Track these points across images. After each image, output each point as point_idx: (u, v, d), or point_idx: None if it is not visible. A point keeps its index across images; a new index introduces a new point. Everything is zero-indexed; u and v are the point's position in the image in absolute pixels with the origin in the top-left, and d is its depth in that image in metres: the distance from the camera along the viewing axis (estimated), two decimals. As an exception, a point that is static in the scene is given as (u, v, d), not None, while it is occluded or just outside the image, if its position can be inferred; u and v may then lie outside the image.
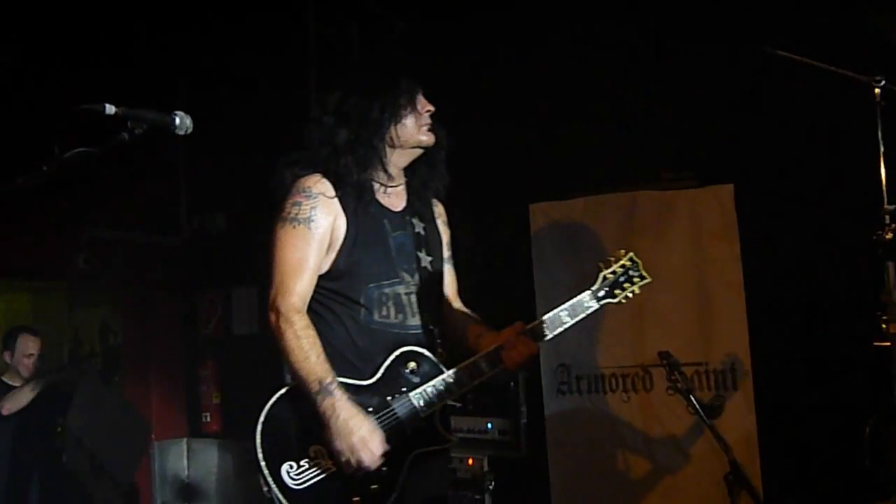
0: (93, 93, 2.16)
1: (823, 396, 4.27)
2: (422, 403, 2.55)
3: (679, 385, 3.98)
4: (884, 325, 3.45)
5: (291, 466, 2.47)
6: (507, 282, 5.05)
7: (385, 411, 2.53)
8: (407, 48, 4.89)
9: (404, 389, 2.56)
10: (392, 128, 2.62)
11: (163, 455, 6.38)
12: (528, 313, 4.82)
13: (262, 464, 2.47)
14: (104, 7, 5.17)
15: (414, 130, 2.65)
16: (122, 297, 6.65)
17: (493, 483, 4.33)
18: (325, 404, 2.43)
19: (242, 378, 6.17)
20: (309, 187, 2.60)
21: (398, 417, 2.53)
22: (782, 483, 4.28)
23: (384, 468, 2.48)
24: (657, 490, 4.58)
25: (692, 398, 3.94)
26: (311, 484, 2.47)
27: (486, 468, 4.32)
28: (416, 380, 2.58)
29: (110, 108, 2.04)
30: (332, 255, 2.59)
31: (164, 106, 2.21)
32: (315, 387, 2.44)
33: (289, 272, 2.54)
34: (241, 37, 5.55)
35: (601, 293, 2.70)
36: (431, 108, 2.67)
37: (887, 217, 3.35)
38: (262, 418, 2.50)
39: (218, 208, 6.60)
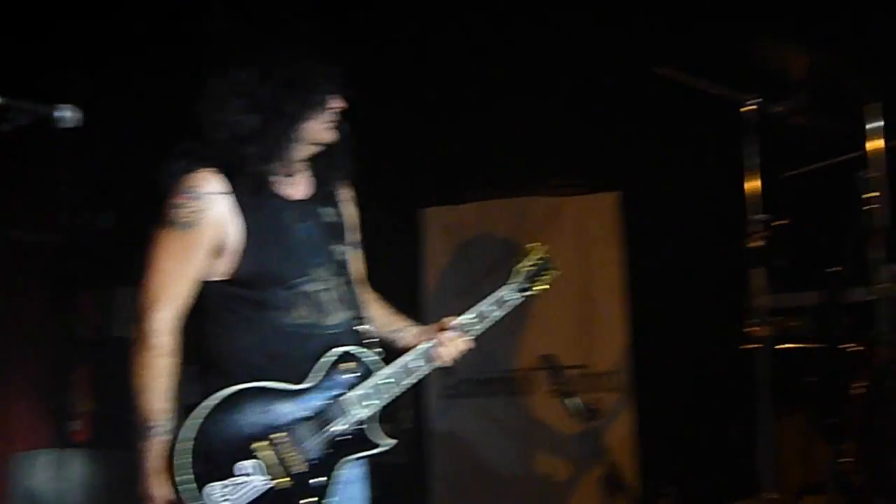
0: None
1: (699, 398, 4.53)
2: (360, 407, 2.47)
3: (561, 388, 4.13)
4: (750, 330, 3.73)
5: (224, 486, 2.31)
6: (395, 287, 5.13)
7: (324, 418, 2.43)
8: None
9: (342, 392, 2.46)
10: (301, 122, 2.49)
11: (26, 467, 5.85)
12: (417, 319, 4.97)
13: (192, 485, 2.28)
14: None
15: (319, 128, 2.52)
16: (-4, 298, 6.42)
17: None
18: (140, 445, 2.37)
19: (118, 384, 6.01)
20: (195, 187, 2.39)
21: (338, 423, 2.44)
22: (658, 483, 4.50)
23: (319, 479, 2.40)
24: (538, 493, 4.71)
25: (573, 401, 4.10)
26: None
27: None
28: (354, 381, 2.49)
29: None
30: (232, 259, 2.43)
31: (50, 98, 2.13)
32: (141, 421, 2.36)
33: (163, 283, 2.38)
34: (128, 25, 5.44)
35: (524, 285, 2.79)
36: (339, 105, 2.55)
37: (756, 225, 3.65)
38: (194, 434, 2.30)
39: (101, 205, 6.35)
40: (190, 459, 2.28)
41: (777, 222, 3.62)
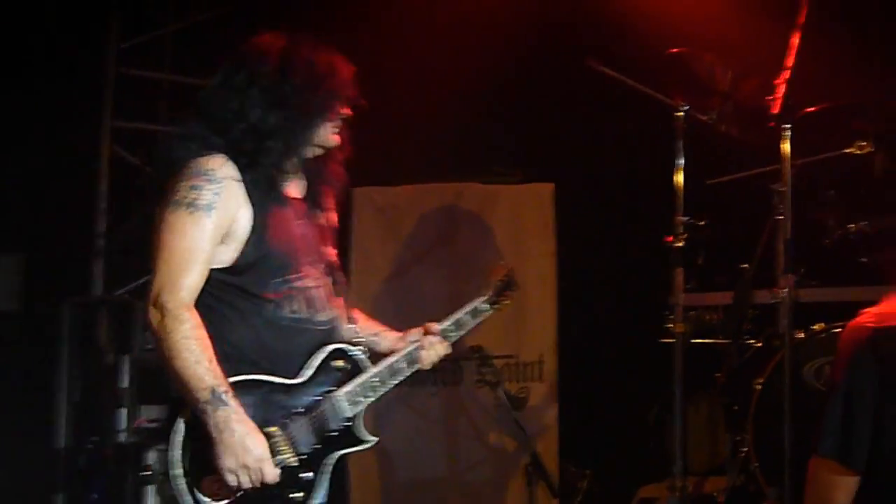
0: None
1: (619, 388, 5.04)
2: (348, 404, 2.64)
3: (488, 378, 4.36)
4: (670, 325, 4.24)
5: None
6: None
7: (316, 413, 2.58)
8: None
9: (333, 389, 2.63)
10: (319, 124, 2.65)
11: None
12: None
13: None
14: None
15: (327, 131, 2.68)
16: None
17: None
18: (218, 416, 2.36)
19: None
20: (212, 170, 2.48)
21: (327, 418, 2.60)
22: (577, 467, 5.01)
23: (307, 473, 2.54)
24: (459, 482, 5.05)
25: (500, 391, 4.34)
26: None
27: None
28: (343, 378, 2.66)
29: None
30: (236, 247, 2.53)
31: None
32: (205, 395, 2.36)
33: (178, 264, 2.43)
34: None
35: (493, 298, 3.03)
36: (348, 111, 2.71)
37: (680, 226, 4.15)
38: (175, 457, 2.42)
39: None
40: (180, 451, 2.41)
41: (697, 224, 4.11)
